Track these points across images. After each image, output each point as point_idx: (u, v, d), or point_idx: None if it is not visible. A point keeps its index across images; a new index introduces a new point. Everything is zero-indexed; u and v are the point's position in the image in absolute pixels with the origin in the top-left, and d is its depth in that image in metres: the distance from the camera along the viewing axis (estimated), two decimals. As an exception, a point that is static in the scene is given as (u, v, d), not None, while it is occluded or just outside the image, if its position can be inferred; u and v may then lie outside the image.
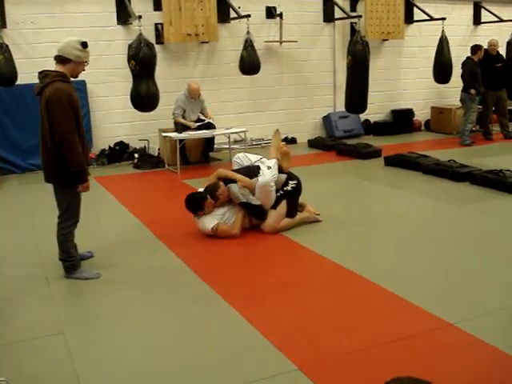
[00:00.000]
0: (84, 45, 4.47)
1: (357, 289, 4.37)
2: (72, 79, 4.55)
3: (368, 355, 3.36)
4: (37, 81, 4.57)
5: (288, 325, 3.79)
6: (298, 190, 5.91)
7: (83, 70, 4.62)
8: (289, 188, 5.82)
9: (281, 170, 5.97)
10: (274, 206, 5.75)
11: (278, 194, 5.77)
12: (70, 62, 4.46)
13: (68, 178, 4.49)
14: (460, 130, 10.66)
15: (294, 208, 5.87)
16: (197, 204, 5.61)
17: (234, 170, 5.96)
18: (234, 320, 3.88)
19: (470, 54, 10.54)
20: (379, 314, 3.92)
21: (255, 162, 6.04)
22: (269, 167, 5.83)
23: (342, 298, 4.21)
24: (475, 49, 10.47)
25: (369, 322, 3.79)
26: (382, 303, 4.09)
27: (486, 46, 10.68)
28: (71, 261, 4.73)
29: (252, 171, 5.85)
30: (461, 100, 10.64)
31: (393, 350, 3.41)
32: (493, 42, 10.75)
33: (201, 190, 5.78)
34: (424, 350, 3.40)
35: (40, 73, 4.53)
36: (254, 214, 5.75)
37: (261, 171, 5.80)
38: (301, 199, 6.03)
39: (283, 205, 5.74)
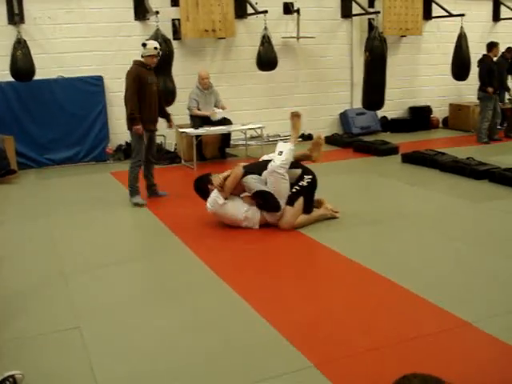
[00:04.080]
0: (143, 45, 6.70)
1: (373, 286, 4.33)
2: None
3: (385, 353, 3.33)
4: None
5: (305, 322, 3.76)
6: (313, 185, 5.83)
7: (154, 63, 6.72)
8: (304, 183, 5.72)
9: (308, 160, 6.00)
10: (291, 203, 5.68)
11: (294, 190, 5.69)
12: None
13: (129, 124, 6.71)
14: (477, 128, 10.52)
15: (310, 204, 5.81)
16: (204, 180, 5.89)
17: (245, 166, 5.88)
18: (250, 316, 3.86)
19: (485, 52, 10.39)
20: (396, 312, 3.88)
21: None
22: (280, 152, 5.69)
23: (359, 295, 4.18)
24: (491, 46, 10.33)
25: (385, 320, 3.75)
26: (399, 301, 4.05)
27: (508, 43, 10.53)
28: (131, 188, 6.79)
29: (262, 165, 5.78)
30: (478, 98, 10.48)
31: (410, 349, 3.37)
32: None
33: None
34: (441, 348, 3.36)
35: None
36: (266, 204, 5.67)
37: (271, 161, 5.72)
38: (318, 196, 5.97)
39: (300, 201, 5.69)
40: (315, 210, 5.90)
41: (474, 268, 4.62)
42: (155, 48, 6.67)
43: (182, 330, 3.73)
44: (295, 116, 6.03)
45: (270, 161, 5.74)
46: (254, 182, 5.63)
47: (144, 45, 6.68)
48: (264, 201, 5.67)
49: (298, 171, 5.79)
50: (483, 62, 10.33)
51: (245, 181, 5.66)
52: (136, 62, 6.74)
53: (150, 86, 6.66)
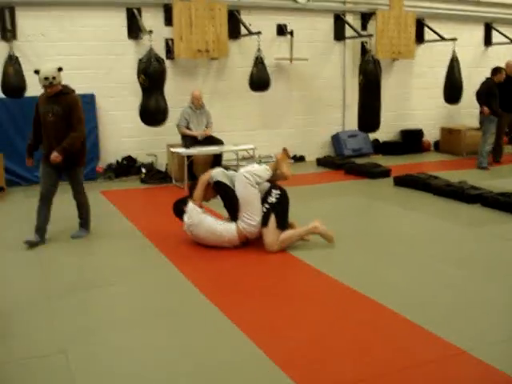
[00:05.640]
0: (36, 72, 5.78)
1: (365, 311, 4.25)
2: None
3: (379, 383, 3.24)
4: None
5: (295, 348, 3.67)
6: (283, 200, 5.74)
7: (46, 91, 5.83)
8: (273, 200, 5.64)
9: (281, 179, 6.03)
10: (265, 223, 5.61)
11: (264, 209, 5.64)
12: None
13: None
14: (478, 152, 10.26)
15: (282, 221, 5.70)
16: (182, 202, 5.96)
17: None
18: (239, 341, 3.77)
19: (489, 75, 10.33)
20: (388, 339, 3.80)
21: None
22: (252, 166, 5.93)
23: (352, 321, 4.09)
24: (496, 71, 10.21)
25: (377, 348, 3.66)
26: (393, 328, 3.97)
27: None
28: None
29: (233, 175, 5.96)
30: (480, 122, 10.39)
31: (405, 378, 3.29)
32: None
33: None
34: (436, 378, 3.28)
35: None
36: (225, 198, 5.82)
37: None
38: (311, 218, 5.89)
39: (272, 219, 5.62)
40: (301, 226, 5.81)
41: (467, 293, 4.55)
42: (45, 78, 5.67)
43: (169, 353, 3.63)
44: (285, 151, 6.12)
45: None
46: (219, 174, 5.84)
47: (37, 72, 5.76)
48: (224, 194, 5.79)
49: (267, 185, 5.76)
50: (485, 83, 10.22)
51: (213, 175, 5.84)
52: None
53: (44, 116, 5.86)
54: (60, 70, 5.78)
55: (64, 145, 5.84)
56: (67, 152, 5.87)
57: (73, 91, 6.03)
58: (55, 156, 5.82)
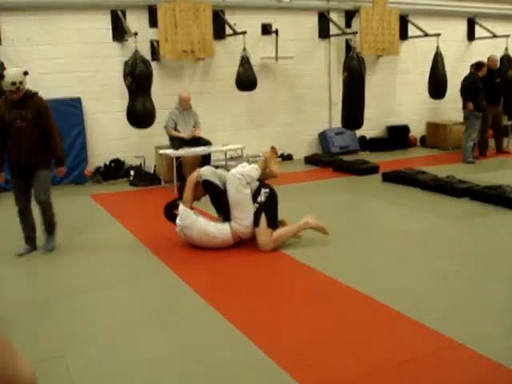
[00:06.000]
0: (1, 76, 5.52)
1: (360, 307, 4.29)
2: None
3: (378, 378, 3.27)
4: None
5: (294, 346, 3.70)
6: (272, 199, 5.76)
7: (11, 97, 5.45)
8: (262, 198, 5.66)
9: (271, 177, 6.06)
10: (256, 223, 5.63)
11: (255, 209, 5.66)
12: None
13: None
14: (462, 148, 10.39)
15: (273, 219, 5.72)
16: (172, 205, 5.97)
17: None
18: (239, 341, 3.78)
19: (472, 70, 10.40)
20: (386, 334, 3.83)
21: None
22: (243, 166, 5.91)
23: (349, 318, 4.13)
24: (479, 65, 10.27)
25: (376, 343, 3.70)
26: (389, 323, 4.01)
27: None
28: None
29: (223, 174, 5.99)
30: (464, 117, 10.47)
31: (403, 372, 3.33)
32: (494, 58, 10.72)
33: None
34: (435, 371, 3.32)
35: None
36: (216, 201, 5.89)
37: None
38: (301, 216, 5.91)
39: (263, 218, 5.64)
40: (292, 224, 5.84)
41: (459, 287, 4.60)
42: (13, 83, 5.31)
43: (169, 357, 3.64)
44: (273, 150, 6.13)
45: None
46: (207, 172, 5.88)
47: (1, 77, 5.42)
48: (213, 193, 5.85)
49: (256, 183, 5.78)
50: (469, 78, 10.30)
51: (202, 174, 5.87)
52: (3, 96, 5.64)
53: (11, 124, 5.48)
54: (26, 73, 5.48)
55: (59, 155, 5.76)
56: (64, 159, 5.87)
57: (36, 93, 5.70)
58: (62, 171, 5.88)
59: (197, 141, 9.18)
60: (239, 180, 5.64)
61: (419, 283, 4.72)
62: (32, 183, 5.69)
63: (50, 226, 5.91)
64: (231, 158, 9.91)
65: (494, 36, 12.24)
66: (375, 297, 4.39)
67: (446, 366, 3.37)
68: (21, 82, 5.39)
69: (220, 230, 5.69)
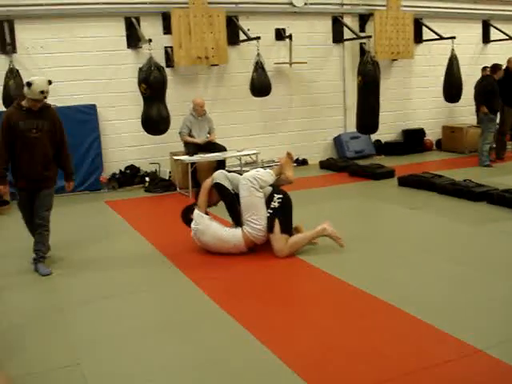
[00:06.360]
0: (28, 84, 5.18)
1: (377, 313, 4.24)
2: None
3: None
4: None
5: (309, 352, 3.66)
6: (286, 204, 5.72)
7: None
8: (276, 204, 5.62)
9: (286, 183, 6.06)
10: (271, 229, 5.59)
11: (268, 215, 5.62)
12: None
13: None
14: (478, 151, 10.28)
15: (287, 225, 5.69)
16: (189, 210, 6.00)
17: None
18: (255, 348, 3.75)
19: (485, 73, 10.31)
20: (404, 341, 3.78)
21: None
22: (257, 171, 5.92)
23: (365, 323, 4.08)
24: (495, 68, 10.17)
25: (393, 349, 3.65)
26: (407, 329, 3.95)
27: (505, 63, 10.51)
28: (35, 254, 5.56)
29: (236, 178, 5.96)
30: (478, 121, 10.37)
31: (421, 380, 3.27)
32: None
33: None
34: (454, 379, 3.26)
35: None
36: (227, 204, 5.86)
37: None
38: (319, 221, 5.86)
39: (277, 224, 5.59)
40: (307, 230, 5.80)
41: (479, 291, 4.54)
42: (41, 92, 5.14)
43: (185, 364, 3.62)
44: (289, 156, 6.13)
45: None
46: (220, 176, 5.89)
47: (29, 84, 5.14)
48: (223, 196, 5.84)
49: (269, 189, 5.74)
50: (485, 80, 10.19)
51: (214, 177, 5.90)
52: (15, 103, 5.42)
53: (26, 134, 5.26)
54: (50, 83, 5.30)
55: (70, 169, 5.74)
56: (74, 173, 5.94)
57: (50, 105, 5.55)
58: (71, 185, 5.84)
59: (212, 146, 9.19)
60: (252, 183, 5.62)
61: (437, 289, 4.65)
62: (37, 199, 5.48)
63: (42, 247, 5.56)
64: (246, 164, 9.89)
65: (510, 38, 12.12)
66: (391, 302, 4.33)
67: (466, 375, 3.30)
68: (47, 91, 5.26)
69: (233, 235, 5.67)
